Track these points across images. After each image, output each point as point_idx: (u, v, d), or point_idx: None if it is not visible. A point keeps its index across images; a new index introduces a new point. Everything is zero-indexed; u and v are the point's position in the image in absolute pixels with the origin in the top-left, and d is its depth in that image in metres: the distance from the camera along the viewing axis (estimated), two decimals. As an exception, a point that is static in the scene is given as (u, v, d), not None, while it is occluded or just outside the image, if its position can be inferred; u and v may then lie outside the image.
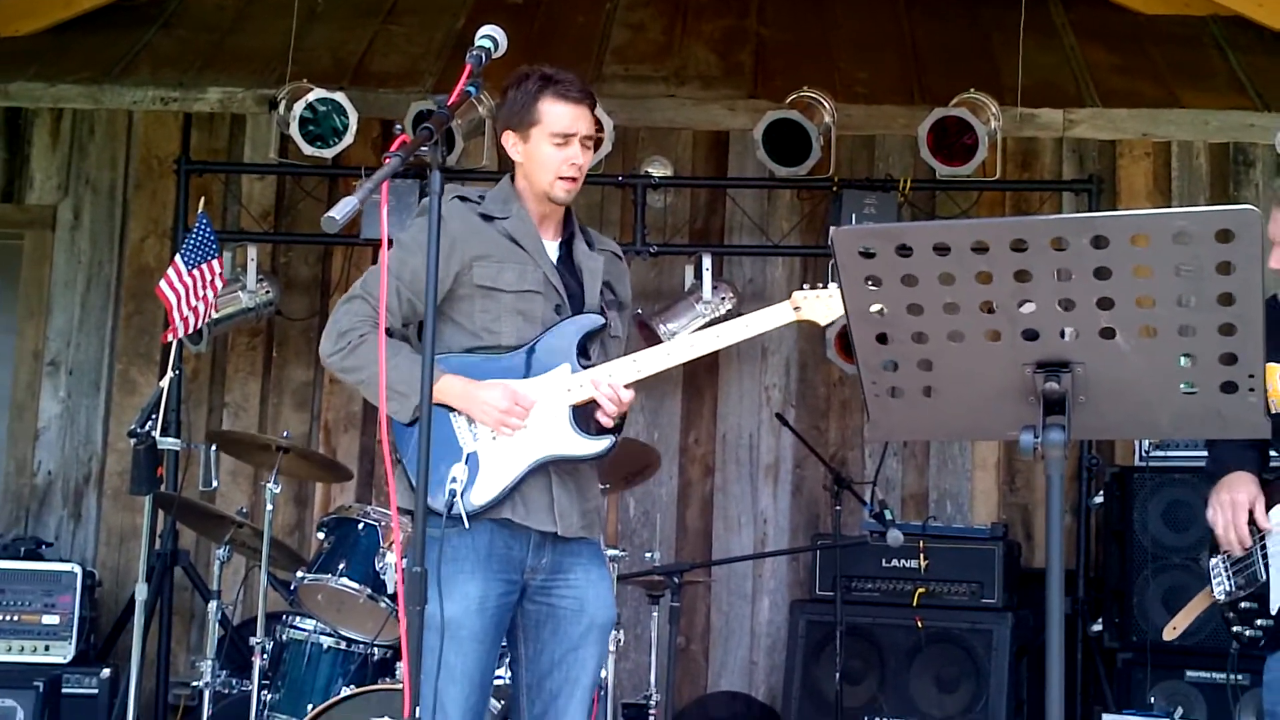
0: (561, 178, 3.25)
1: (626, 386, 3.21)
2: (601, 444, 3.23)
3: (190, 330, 5.31)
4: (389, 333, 3.17)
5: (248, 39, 6.72)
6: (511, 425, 3.14)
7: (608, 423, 3.22)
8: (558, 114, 3.23)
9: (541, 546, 3.21)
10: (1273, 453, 3.32)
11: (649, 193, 5.91)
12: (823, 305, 3.30)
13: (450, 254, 3.17)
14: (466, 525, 3.09)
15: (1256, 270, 1.98)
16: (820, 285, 3.34)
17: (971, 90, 5.78)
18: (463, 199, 3.29)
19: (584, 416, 3.23)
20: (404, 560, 2.72)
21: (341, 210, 2.45)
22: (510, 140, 3.31)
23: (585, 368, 3.24)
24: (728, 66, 6.59)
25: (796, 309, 3.31)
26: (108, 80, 6.48)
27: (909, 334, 2.17)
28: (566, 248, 3.36)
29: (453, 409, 3.17)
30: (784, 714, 5.54)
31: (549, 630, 3.24)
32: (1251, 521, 3.19)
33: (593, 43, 6.73)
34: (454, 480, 3.10)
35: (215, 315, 5.62)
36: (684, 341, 3.33)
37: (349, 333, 3.19)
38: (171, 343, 4.88)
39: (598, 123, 5.71)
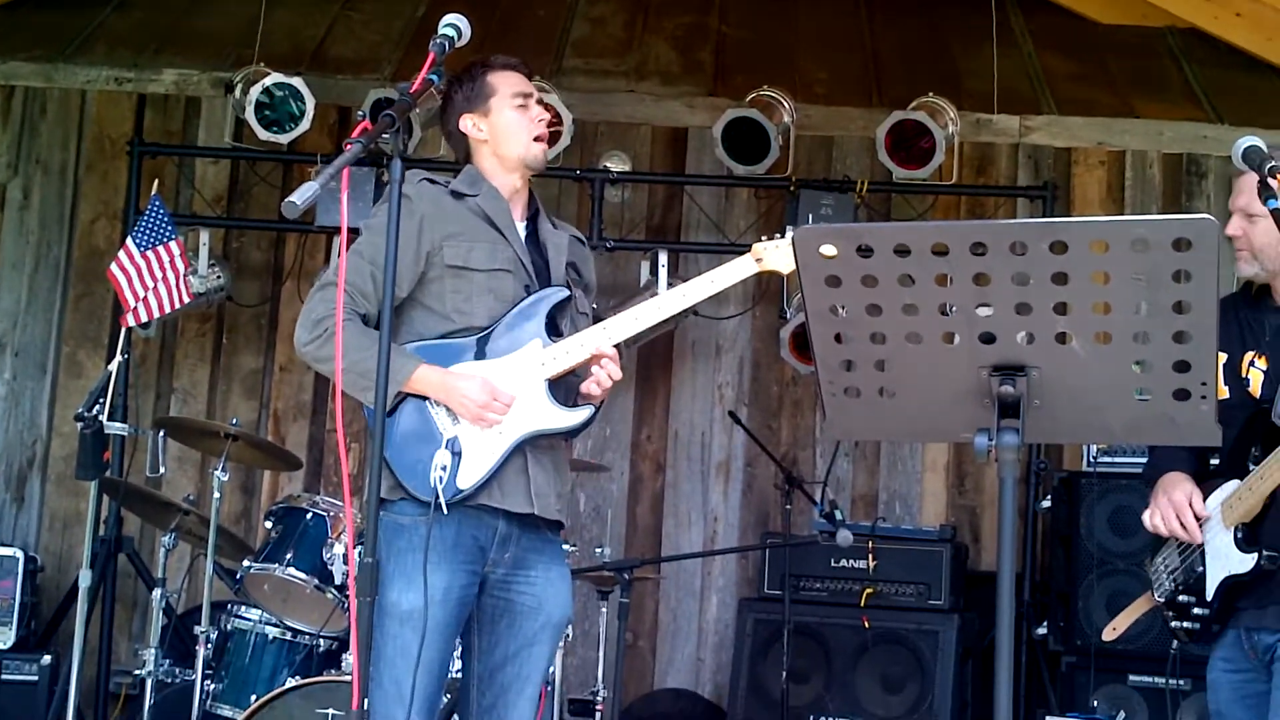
0: (535, 138, 3.30)
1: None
2: (582, 415, 3.21)
3: (161, 313, 5.25)
4: (365, 319, 3.15)
5: (204, 21, 6.65)
6: (490, 421, 3.12)
7: (596, 393, 3.20)
8: (510, 79, 3.33)
9: (506, 540, 3.19)
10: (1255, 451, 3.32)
11: (606, 188, 5.90)
12: (783, 255, 3.29)
13: (419, 234, 3.17)
14: (445, 512, 3.05)
15: (1212, 279, 1.99)
16: (779, 235, 3.34)
17: (930, 94, 5.80)
18: (431, 181, 3.28)
19: (561, 390, 3.22)
20: (358, 549, 2.69)
21: (302, 195, 2.44)
22: (470, 123, 3.32)
23: (555, 342, 3.22)
24: (688, 63, 6.59)
25: (758, 260, 3.31)
26: (61, 59, 6.40)
27: (867, 334, 2.17)
28: (532, 225, 3.37)
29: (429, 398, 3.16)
30: (730, 712, 5.55)
31: (504, 624, 3.22)
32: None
33: (553, 35, 6.71)
34: (442, 468, 3.07)
35: (187, 300, 5.52)
36: (651, 304, 3.31)
37: (324, 320, 3.10)
38: (131, 326, 4.81)
39: (556, 115, 5.72)
